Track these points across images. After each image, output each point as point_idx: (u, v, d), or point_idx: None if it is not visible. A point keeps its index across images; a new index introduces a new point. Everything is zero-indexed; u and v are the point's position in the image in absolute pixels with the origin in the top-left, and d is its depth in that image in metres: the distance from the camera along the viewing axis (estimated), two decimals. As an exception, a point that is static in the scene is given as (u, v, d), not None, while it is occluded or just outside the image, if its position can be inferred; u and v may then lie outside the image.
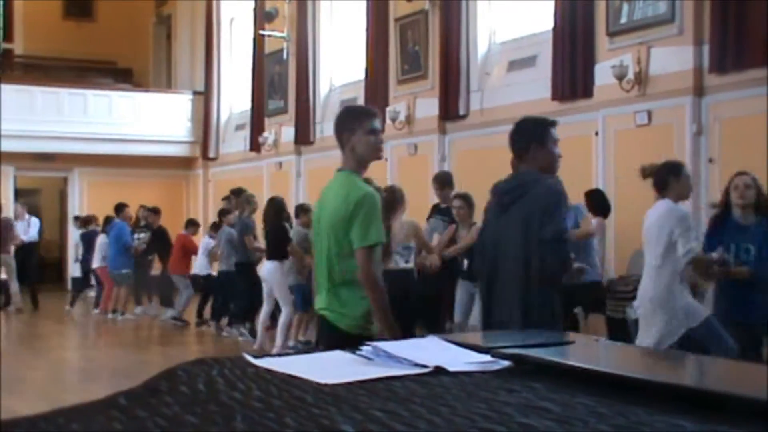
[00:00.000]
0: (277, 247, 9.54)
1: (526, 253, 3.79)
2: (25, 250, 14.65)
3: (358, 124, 3.93)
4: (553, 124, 4.14)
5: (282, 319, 9.45)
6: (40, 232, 15.56)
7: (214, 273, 12.06)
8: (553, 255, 3.73)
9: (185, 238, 12.97)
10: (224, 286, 11.54)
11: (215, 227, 12.47)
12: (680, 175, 5.51)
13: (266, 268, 9.71)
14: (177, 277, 12.76)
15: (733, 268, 5.37)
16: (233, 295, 11.37)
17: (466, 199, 7.90)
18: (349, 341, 3.41)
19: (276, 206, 9.88)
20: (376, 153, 3.99)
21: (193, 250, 12.87)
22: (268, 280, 9.74)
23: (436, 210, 9.06)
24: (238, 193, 11.50)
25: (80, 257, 15.01)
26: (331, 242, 3.88)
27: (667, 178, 5.48)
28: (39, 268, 15.32)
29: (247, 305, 10.99)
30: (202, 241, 12.45)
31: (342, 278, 3.89)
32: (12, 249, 14.30)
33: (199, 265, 12.51)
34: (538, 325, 3.59)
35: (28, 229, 14.96)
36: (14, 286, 14.28)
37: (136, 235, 13.74)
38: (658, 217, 5.35)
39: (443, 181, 9.03)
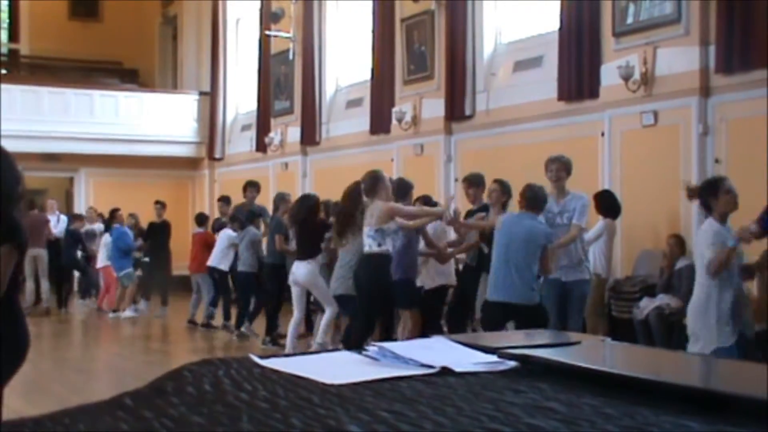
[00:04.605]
0: (310, 246, 8.93)
1: None
2: (54, 248, 14.15)
3: None
4: None
5: (326, 317, 8.73)
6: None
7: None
8: None
9: (208, 235, 12.48)
10: (245, 289, 11.16)
11: (217, 227, 12.24)
12: (718, 194, 5.58)
13: (300, 271, 8.86)
14: (201, 276, 12.23)
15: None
16: (256, 296, 10.98)
17: (502, 184, 7.94)
18: None
19: (311, 203, 9.22)
20: None
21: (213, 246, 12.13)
22: (302, 283, 8.96)
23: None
24: (253, 184, 11.20)
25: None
26: None
27: (707, 200, 5.62)
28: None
29: (272, 306, 10.52)
30: (224, 233, 11.68)
31: None
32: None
33: (216, 258, 11.71)
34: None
35: (57, 225, 14.61)
36: (44, 284, 13.88)
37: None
38: (702, 234, 5.59)
39: (472, 182, 8.57)
